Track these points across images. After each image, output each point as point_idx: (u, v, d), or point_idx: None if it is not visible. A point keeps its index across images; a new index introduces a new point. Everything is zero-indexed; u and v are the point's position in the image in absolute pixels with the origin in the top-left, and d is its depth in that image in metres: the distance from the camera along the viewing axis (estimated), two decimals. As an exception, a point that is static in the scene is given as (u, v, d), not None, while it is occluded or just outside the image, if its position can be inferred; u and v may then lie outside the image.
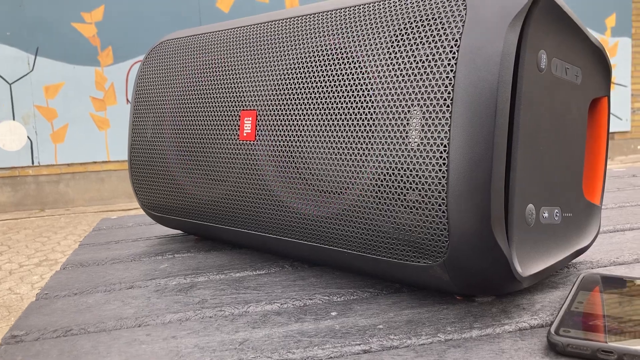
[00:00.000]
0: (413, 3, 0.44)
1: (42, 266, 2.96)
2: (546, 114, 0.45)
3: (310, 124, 0.50)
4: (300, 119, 0.51)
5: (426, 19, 0.43)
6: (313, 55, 0.50)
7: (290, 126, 0.52)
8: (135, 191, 0.71)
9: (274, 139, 0.53)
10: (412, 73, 0.42)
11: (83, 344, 0.41)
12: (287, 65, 0.53)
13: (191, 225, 0.66)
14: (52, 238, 3.61)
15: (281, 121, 0.53)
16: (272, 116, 0.53)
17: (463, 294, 0.46)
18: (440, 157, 0.40)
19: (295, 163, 0.52)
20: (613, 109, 5.74)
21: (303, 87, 0.51)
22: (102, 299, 0.51)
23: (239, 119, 0.57)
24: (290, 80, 0.52)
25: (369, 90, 0.46)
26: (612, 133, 5.77)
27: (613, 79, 5.71)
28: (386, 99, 0.44)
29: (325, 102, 0.49)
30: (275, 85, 0.53)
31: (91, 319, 0.46)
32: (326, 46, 0.50)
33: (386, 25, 0.45)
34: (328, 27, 0.50)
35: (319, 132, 0.49)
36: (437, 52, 0.41)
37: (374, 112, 0.45)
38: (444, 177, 0.40)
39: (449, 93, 0.40)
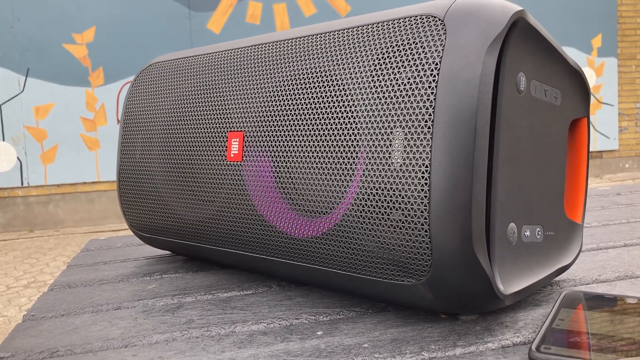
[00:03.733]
0: (395, 28, 0.45)
1: (30, 288, 2.93)
2: (526, 135, 0.47)
3: (296, 145, 0.51)
4: (286, 140, 0.52)
5: (407, 43, 0.44)
6: (298, 78, 0.51)
7: (277, 147, 0.53)
8: (124, 212, 0.71)
9: (260, 160, 0.54)
10: (395, 96, 0.43)
11: (69, 365, 0.41)
12: (273, 87, 0.54)
13: (179, 245, 0.66)
14: (41, 259, 3.58)
15: (267, 142, 0.53)
16: (258, 137, 0.54)
17: (447, 312, 0.47)
18: (422, 177, 0.41)
19: (282, 183, 0.52)
20: (601, 128, 5.80)
21: (289, 109, 0.52)
22: (89, 320, 0.51)
23: (227, 140, 0.57)
24: (276, 102, 0.53)
25: (352, 113, 0.47)
26: (600, 152, 5.83)
27: (600, 99, 5.78)
28: (369, 121, 0.45)
29: (311, 123, 0.50)
30: (261, 107, 0.54)
31: (78, 340, 0.46)
32: (311, 69, 0.51)
33: (369, 49, 0.46)
34: (313, 50, 0.51)
35: (304, 152, 0.50)
36: (418, 76, 0.42)
37: (358, 133, 0.46)
38: (426, 197, 0.41)
39: (430, 115, 0.41)
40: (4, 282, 3.06)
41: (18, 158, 4.56)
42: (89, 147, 4.68)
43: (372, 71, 0.46)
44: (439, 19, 0.43)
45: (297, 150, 0.51)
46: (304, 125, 0.50)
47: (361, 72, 0.46)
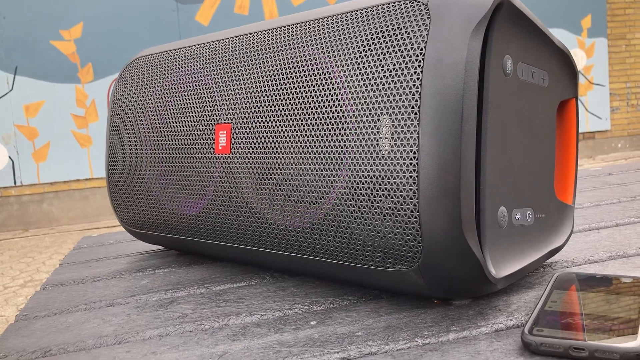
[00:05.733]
0: (379, 14, 0.45)
1: (27, 287, 2.92)
2: (514, 118, 0.46)
3: (284, 135, 0.51)
4: (273, 130, 0.52)
5: (392, 30, 0.43)
6: (285, 68, 0.51)
7: (265, 138, 0.52)
8: (115, 208, 0.71)
9: (249, 152, 0.54)
10: (381, 82, 0.43)
11: (62, 364, 0.41)
12: (259, 77, 0.53)
13: (171, 240, 0.66)
14: (37, 258, 3.57)
15: (255, 133, 0.53)
16: (246, 129, 0.54)
17: (440, 298, 0.47)
18: (411, 163, 0.41)
19: (271, 174, 0.52)
20: (593, 109, 5.81)
21: (276, 99, 0.51)
22: (82, 318, 0.51)
23: (214, 133, 0.57)
24: (263, 92, 0.53)
25: (339, 101, 0.46)
26: (592, 132, 5.84)
27: (591, 79, 5.78)
28: (356, 109, 0.45)
29: (298, 113, 0.49)
30: (248, 98, 0.54)
31: (71, 339, 0.46)
32: (297, 58, 0.50)
33: (354, 36, 0.46)
34: (299, 39, 0.51)
35: (292, 143, 0.50)
36: (403, 62, 0.42)
37: (346, 121, 0.46)
38: (414, 183, 0.41)
39: (416, 101, 0.41)
40: (1, 282, 3.06)
41: (10, 157, 4.53)
42: (81, 144, 4.66)
43: (357, 58, 0.45)
44: (423, 4, 0.42)
45: (286, 140, 0.51)
46: (292, 115, 0.50)
47: (347, 60, 0.46)
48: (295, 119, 0.50)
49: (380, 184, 0.43)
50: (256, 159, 0.53)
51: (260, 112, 0.53)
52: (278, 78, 0.51)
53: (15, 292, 2.85)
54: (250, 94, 0.54)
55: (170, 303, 0.53)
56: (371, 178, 0.44)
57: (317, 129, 0.48)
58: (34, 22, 4.47)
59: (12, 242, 4.19)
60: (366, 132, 0.44)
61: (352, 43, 0.46)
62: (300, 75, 0.50)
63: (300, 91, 0.49)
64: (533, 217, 0.50)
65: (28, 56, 4.49)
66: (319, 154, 0.48)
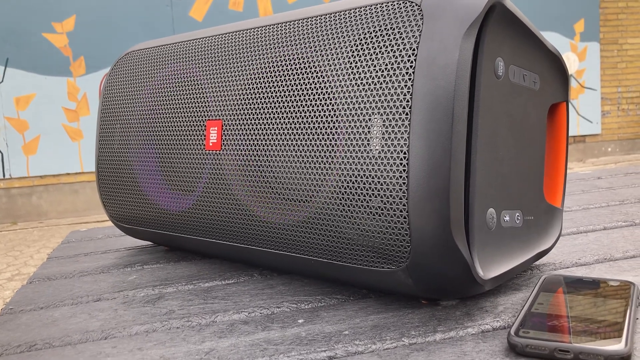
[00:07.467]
0: (372, 14, 0.45)
1: (14, 281, 2.90)
2: (505, 120, 0.47)
3: (275, 132, 0.51)
4: (265, 128, 0.51)
5: (385, 30, 0.43)
6: (277, 65, 0.51)
7: (256, 135, 0.52)
8: (104, 203, 0.71)
9: (239, 149, 0.54)
10: (372, 82, 0.43)
11: (47, 359, 0.41)
12: (251, 74, 0.53)
13: (160, 236, 0.66)
14: (25, 252, 3.55)
15: (246, 130, 0.53)
16: (237, 125, 0.54)
17: (427, 298, 0.47)
18: (401, 164, 0.41)
19: (262, 172, 0.52)
20: (584, 113, 5.85)
21: (267, 96, 0.51)
22: (69, 313, 0.50)
23: (205, 129, 0.57)
24: (254, 89, 0.52)
25: (331, 100, 0.46)
26: (583, 136, 5.87)
27: (583, 83, 5.82)
28: (347, 108, 0.45)
29: (289, 111, 0.49)
30: (240, 95, 0.54)
31: (56, 333, 0.46)
32: (289, 56, 0.50)
33: (347, 35, 0.46)
34: (291, 37, 0.50)
35: (283, 140, 0.50)
36: (395, 62, 0.42)
37: (336, 120, 0.46)
38: (404, 183, 0.41)
39: (408, 102, 0.41)
40: (-12, 275, 3.03)
41: (-1, 149, 4.49)
42: (71, 137, 4.63)
43: (350, 58, 0.45)
44: (416, 4, 0.42)
45: (277, 138, 0.50)
46: (284, 113, 0.50)
47: (339, 59, 0.46)
48: (287, 117, 0.50)
49: (370, 184, 0.43)
50: (247, 156, 0.53)
51: (252, 110, 0.53)
52: (270, 76, 0.51)
53: (2, 285, 2.83)
54: (242, 91, 0.54)
55: (157, 299, 0.52)
56: (361, 177, 0.44)
57: (308, 127, 0.48)
58: (25, 14, 4.44)
59: (0, 235, 4.16)
60: (357, 132, 0.44)
61: (344, 42, 0.46)
62: (292, 74, 0.50)
63: (291, 89, 0.49)
64: (522, 219, 0.50)
65: (19, 48, 4.46)
66: (310, 152, 0.48)
